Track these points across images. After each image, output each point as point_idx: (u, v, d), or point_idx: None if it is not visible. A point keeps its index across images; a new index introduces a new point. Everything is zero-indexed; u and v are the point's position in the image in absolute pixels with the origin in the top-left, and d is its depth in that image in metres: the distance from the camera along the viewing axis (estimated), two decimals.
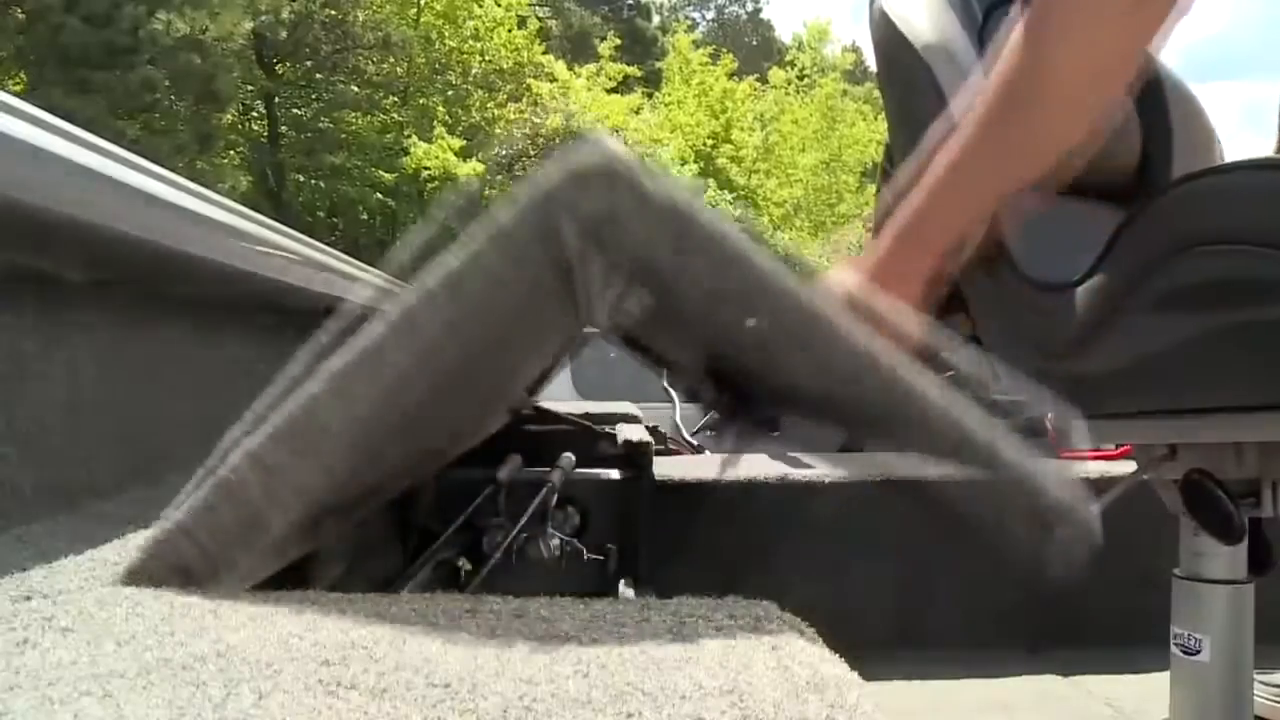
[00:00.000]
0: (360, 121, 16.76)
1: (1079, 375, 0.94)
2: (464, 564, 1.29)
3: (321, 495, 0.62)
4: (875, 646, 1.58)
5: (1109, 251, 0.88)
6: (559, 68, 18.31)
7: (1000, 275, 1.04)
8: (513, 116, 17.78)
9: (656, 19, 31.92)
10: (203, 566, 0.59)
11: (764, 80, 22.35)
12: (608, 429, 1.97)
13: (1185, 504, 0.93)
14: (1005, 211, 1.03)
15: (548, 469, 1.65)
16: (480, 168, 16.59)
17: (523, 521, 1.40)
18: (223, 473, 0.59)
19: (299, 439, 0.59)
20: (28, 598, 0.56)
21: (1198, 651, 0.97)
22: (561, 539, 1.40)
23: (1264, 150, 1.23)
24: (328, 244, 1.44)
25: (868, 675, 0.50)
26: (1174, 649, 1.00)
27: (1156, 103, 1.08)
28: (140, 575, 0.58)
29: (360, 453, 0.63)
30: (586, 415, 1.99)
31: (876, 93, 1.22)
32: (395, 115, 17.40)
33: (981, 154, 0.93)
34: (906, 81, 1.03)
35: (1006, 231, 1.04)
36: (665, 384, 3.17)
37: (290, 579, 0.92)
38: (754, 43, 35.36)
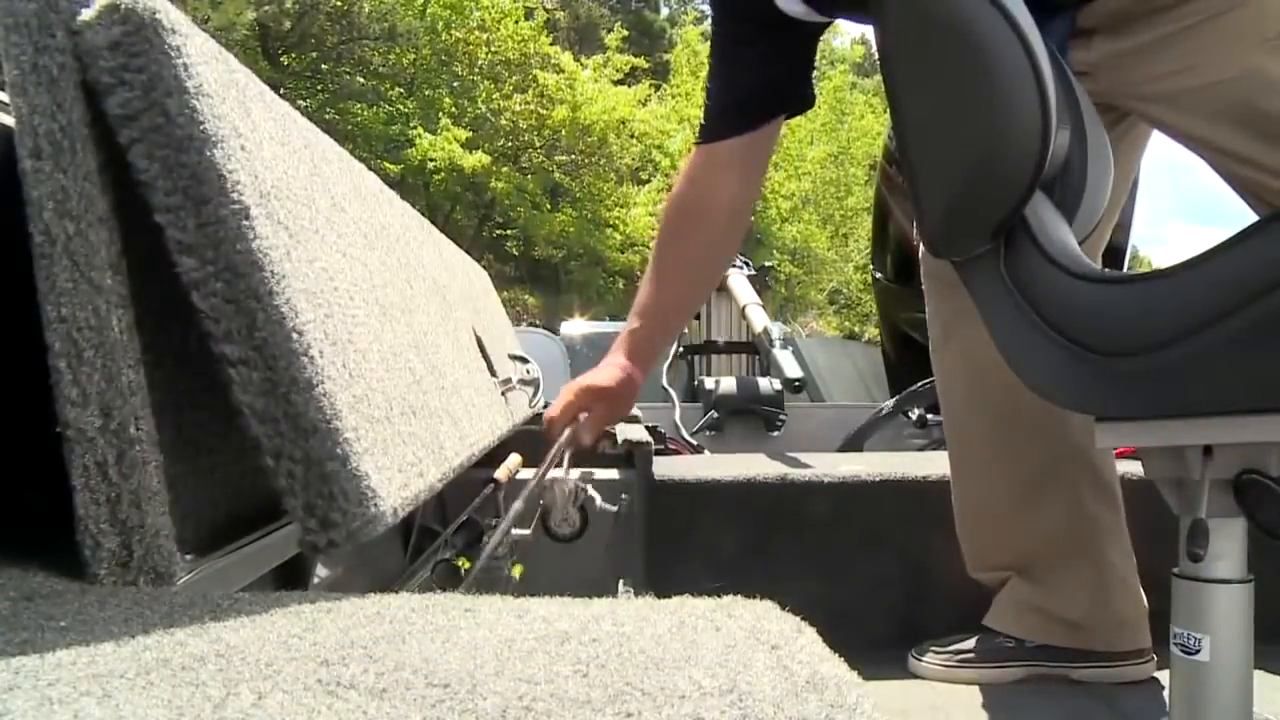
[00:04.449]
0: (366, 113, 16.71)
1: (1122, 371, 0.93)
2: (464, 564, 1.29)
3: None
4: (875, 646, 1.58)
5: (1208, 256, 0.87)
6: (566, 59, 18.26)
7: (1024, 262, 1.03)
8: (519, 108, 17.75)
9: (665, 10, 31.83)
10: None
11: None
12: (607, 428, 1.97)
13: (1241, 504, 0.93)
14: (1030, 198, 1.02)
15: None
16: (486, 159, 16.58)
17: (508, 519, 1.39)
18: None
19: None
20: (28, 598, 0.56)
21: (1197, 651, 0.97)
22: (561, 539, 1.40)
23: None
24: None
25: (867, 675, 0.50)
26: (1174, 648, 1.00)
27: (1074, 108, 1.09)
28: None
29: None
30: None
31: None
32: (401, 106, 17.36)
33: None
34: (1002, 67, 1.00)
35: (1032, 218, 1.03)
36: (665, 384, 3.17)
37: (290, 579, 0.93)
38: None
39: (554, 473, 1.43)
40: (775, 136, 1.50)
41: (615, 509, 1.54)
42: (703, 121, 1.50)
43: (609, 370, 1.50)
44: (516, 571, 1.42)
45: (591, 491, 1.47)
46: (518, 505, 1.32)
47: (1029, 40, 0.98)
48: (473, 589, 1.22)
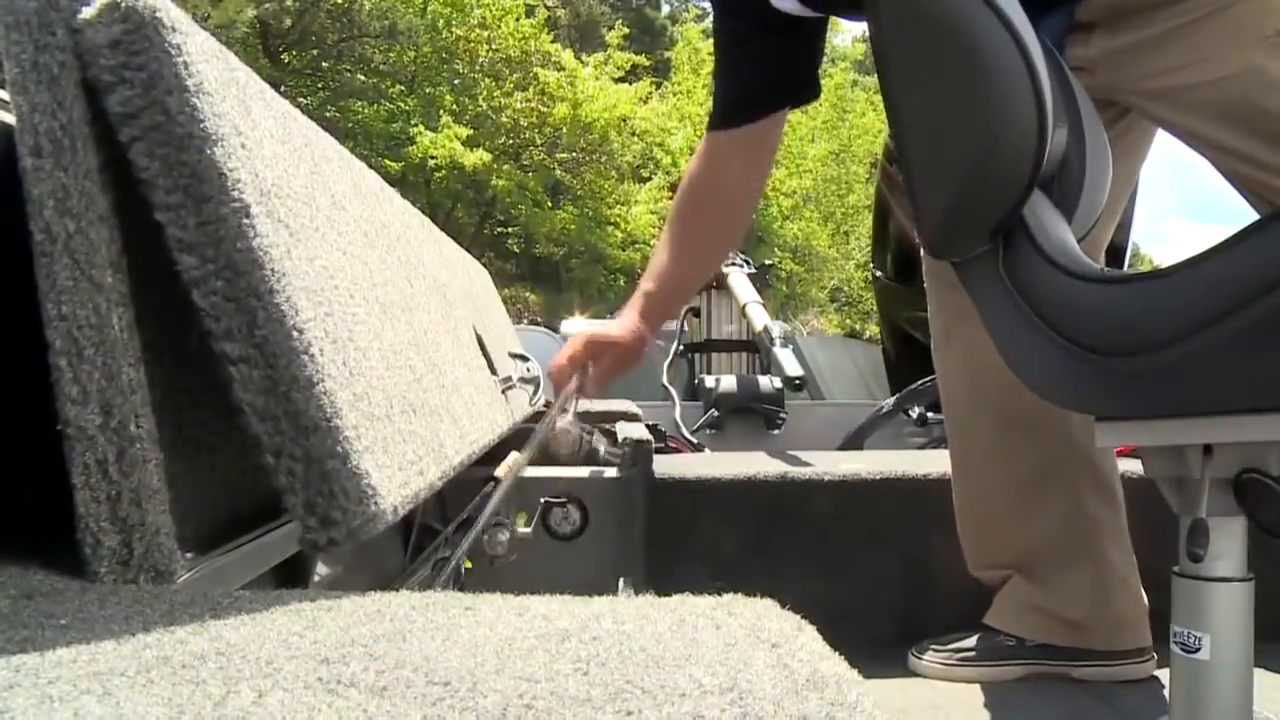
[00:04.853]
0: (367, 110, 16.69)
1: (1122, 371, 0.93)
2: (466, 563, 1.30)
3: None
4: (875, 644, 1.58)
5: (1208, 256, 0.87)
6: (566, 56, 18.26)
7: (1023, 263, 1.03)
8: (519, 105, 17.74)
9: (666, 8, 31.83)
10: None
11: None
12: (607, 427, 1.97)
13: (1241, 503, 0.93)
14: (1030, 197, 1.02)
15: (548, 467, 1.65)
16: (487, 156, 16.57)
17: (485, 515, 1.39)
18: None
19: None
20: (28, 596, 0.56)
21: (1197, 649, 0.97)
22: (561, 537, 1.41)
23: None
24: None
25: (867, 673, 0.50)
26: (1174, 647, 1.00)
27: (1071, 105, 1.09)
28: None
29: None
30: (586, 413, 1.99)
31: None
32: (402, 104, 17.35)
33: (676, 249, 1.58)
34: (997, 66, 1.00)
35: (1031, 218, 1.03)
36: (665, 382, 3.17)
37: (290, 577, 0.93)
38: None
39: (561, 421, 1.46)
40: (781, 126, 1.56)
41: (618, 460, 1.59)
42: (711, 110, 1.56)
43: (620, 323, 1.57)
44: (520, 521, 1.43)
45: (598, 438, 1.50)
46: (523, 456, 1.33)
47: (1023, 40, 0.98)
48: (473, 555, 1.22)
